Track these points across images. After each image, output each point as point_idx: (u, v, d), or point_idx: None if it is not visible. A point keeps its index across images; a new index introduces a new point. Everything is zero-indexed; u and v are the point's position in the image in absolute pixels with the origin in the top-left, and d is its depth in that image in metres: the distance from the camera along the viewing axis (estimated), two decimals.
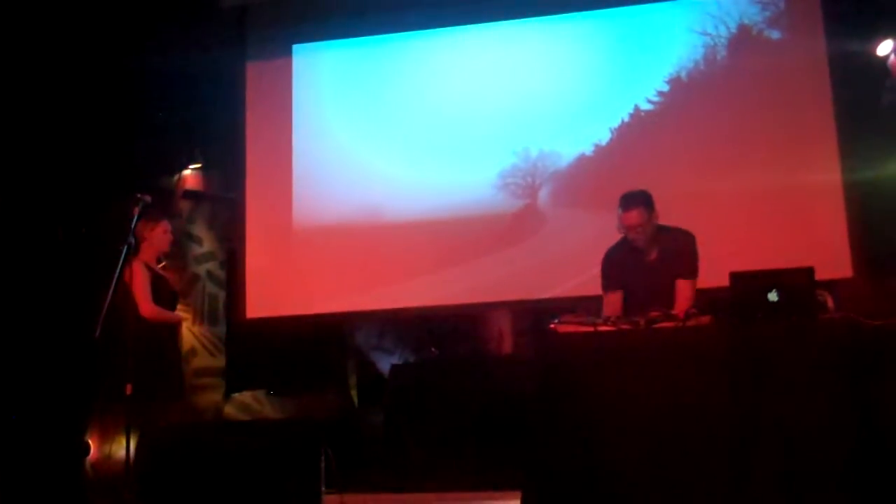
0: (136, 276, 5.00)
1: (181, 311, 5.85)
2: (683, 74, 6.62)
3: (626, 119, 6.66)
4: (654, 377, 3.73)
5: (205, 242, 7.52)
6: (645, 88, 6.66)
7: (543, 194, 6.74)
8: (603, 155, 6.67)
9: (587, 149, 6.70)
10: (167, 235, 5.44)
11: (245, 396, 6.92)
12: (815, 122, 6.34)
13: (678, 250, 4.73)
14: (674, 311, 4.27)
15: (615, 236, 4.86)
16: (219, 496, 4.50)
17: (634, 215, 4.66)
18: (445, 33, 7.09)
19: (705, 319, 3.96)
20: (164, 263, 5.52)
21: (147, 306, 5.11)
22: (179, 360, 5.52)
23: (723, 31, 6.59)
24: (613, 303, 4.74)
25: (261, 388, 6.89)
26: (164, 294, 5.35)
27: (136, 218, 4.86)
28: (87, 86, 6.84)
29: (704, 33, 6.62)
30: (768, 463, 3.55)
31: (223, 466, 4.49)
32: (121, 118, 6.99)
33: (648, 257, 4.77)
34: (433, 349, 6.94)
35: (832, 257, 6.02)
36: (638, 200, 4.68)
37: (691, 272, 4.69)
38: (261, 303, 7.01)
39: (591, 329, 3.98)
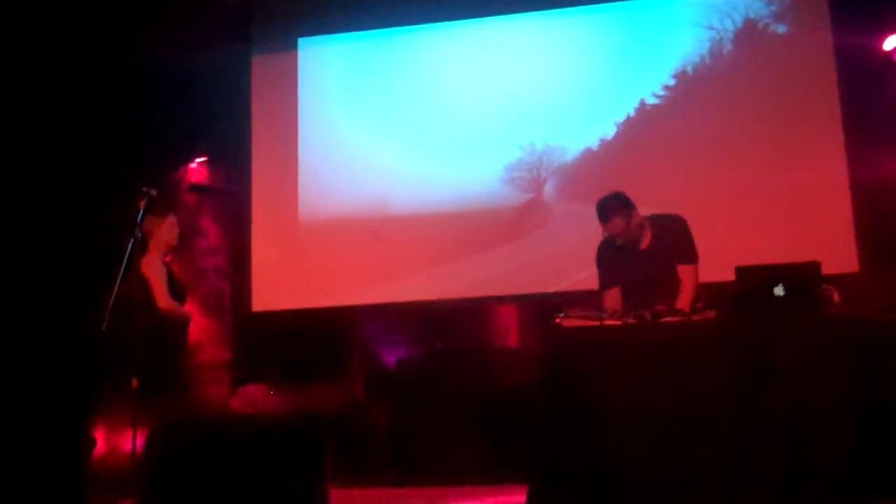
0: (154, 270, 5.01)
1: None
2: (689, 69, 6.61)
3: (632, 113, 6.65)
4: (660, 371, 3.73)
5: (210, 236, 7.51)
6: (651, 83, 6.65)
7: (549, 188, 6.74)
8: (608, 149, 6.67)
9: (593, 143, 6.69)
10: (175, 229, 5.44)
11: (250, 390, 6.92)
12: (821, 116, 6.33)
13: (671, 236, 4.65)
14: (679, 305, 4.28)
15: None
16: (224, 489, 4.51)
17: (613, 225, 4.59)
18: (451, 27, 7.09)
19: (711, 314, 3.96)
20: (169, 257, 5.52)
21: (165, 300, 5.10)
22: (186, 356, 5.51)
23: (729, 26, 6.58)
24: (612, 298, 4.69)
25: (266, 382, 6.90)
26: (174, 288, 5.36)
27: (142, 212, 4.89)
28: (93, 80, 6.86)
29: (710, 27, 6.61)
30: (773, 457, 3.55)
31: (228, 460, 4.49)
32: (127, 112, 7.01)
33: (640, 246, 4.70)
34: (439, 343, 6.94)
35: (838, 252, 6.02)
36: (613, 209, 4.58)
37: (690, 256, 4.62)
38: (266, 296, 7.05)
39: (596, 323, 3.98)
